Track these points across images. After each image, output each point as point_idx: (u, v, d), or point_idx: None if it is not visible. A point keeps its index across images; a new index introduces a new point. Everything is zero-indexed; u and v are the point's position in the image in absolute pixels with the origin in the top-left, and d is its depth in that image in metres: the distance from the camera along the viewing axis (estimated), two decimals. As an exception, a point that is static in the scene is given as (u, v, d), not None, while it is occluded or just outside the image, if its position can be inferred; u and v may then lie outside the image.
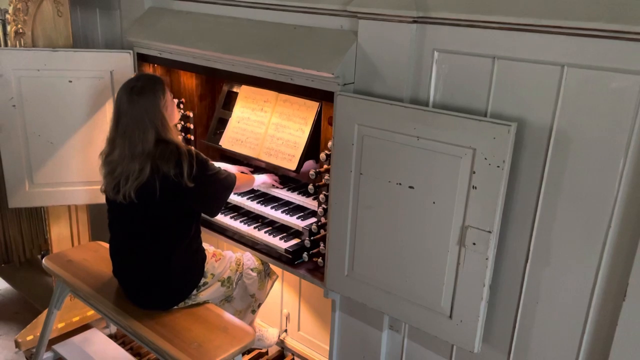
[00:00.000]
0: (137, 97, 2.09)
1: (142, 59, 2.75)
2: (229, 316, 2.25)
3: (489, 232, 1.70)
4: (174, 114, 2.31)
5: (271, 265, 2.56)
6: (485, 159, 1.65)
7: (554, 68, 1.59)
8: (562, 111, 1.61)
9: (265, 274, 2.54)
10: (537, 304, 1.80)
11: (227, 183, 2.27)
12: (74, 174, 2.75)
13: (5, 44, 2.92)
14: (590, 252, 1.65)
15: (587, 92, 1.56)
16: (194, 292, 2.27)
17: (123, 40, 2.84)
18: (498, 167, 1.64)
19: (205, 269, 2.30)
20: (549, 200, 1.70)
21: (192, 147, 2.63)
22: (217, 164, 2.47)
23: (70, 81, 2.62)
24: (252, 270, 2.46)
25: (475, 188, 1.69)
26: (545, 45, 1.58)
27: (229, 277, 2.39)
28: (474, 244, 1.73)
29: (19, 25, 2.57)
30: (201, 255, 2.31)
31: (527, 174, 1.72)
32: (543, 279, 1.76)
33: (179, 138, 2.22)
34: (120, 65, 2.66)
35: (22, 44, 2.61)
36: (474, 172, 1.69)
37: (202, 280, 2.29)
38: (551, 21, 1.54)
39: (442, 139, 1.73)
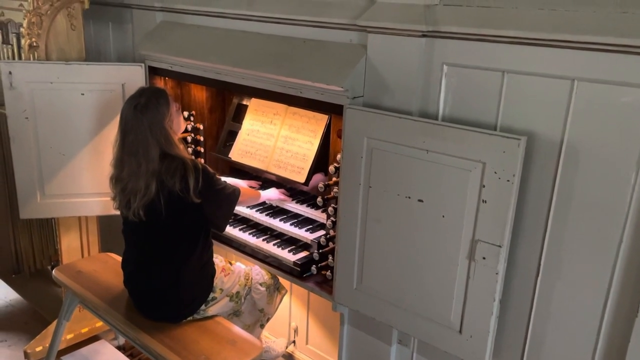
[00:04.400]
0: (140, 115, 2.10)
1: (153, 72, 2.78)
2: (237, 329, 2.24)
3: (499, 246, 1.68)
4: (179, 125, 2.32)
5: (280, 280, 2.55)
6: (495, 172, 1.65)
7: (564, 82, 1.59)
8: (573, 125, 1.61)
9: (275, 289, 2.53)
10: (549, 319, 1.78)
11: (233, 198, 2.28)
12: (85, 186, 2.77)
13: (20, 57, 2.96)
14: (602, 267, 1.64)
15: (598, 106, 1.55)
16: (203, 306, 2.27)
17: (135, 54, 2.87)
18: (508, 181, 1.63)
19: (214, 284, 2.30)
20: (560, 214, 1.68)
21: (200, 160, 2.65)
22: (227, 179, 2.49)
23: (83, 94, 2.65)
24: (260, 285, 2.45)
25: (485, 202, 1.69)
26: (555, 59, 1.58)
27: (237, 292, 2.38)
28: (484, 258, 1.72)
29: (33, 39, 2.61)
30: (210, 270, 2.31)
31: (538, 188, 1.71)
32: (554, 293, 1.75)
33: (185, 151, 2.23)
34: (132, 78, 2.69)
35: (36, 57, 2.65)
36: (484, 186, 1.68)
37: (211, 295, 2.29)
38: (561, 35, 1.54)
39: (452, 152, 1.73)
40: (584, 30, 1.51)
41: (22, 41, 2.65)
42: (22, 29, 2.65)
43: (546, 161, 1.68)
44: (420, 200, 1.83)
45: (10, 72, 2.55)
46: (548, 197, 1.70)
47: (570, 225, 1.67)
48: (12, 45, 3.02)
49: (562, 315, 1.75)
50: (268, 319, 2.56)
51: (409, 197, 1.85)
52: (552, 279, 1.74)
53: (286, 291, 2.64)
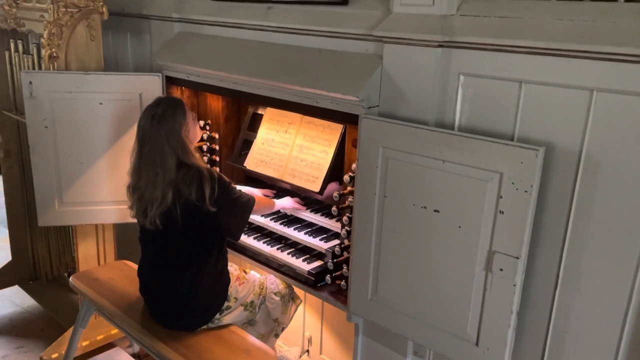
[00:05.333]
0: (158, 125, 2.12)
1: (170, 81, 2.82)
2: (251, 338, 2.24)
3: (517, 258, 1.66)
4: (196, 135, 2.34)
5: (295, 289, 2.55)
6: (513, 183, 1.63)
7: (583, 92, 1.57)
8: (592, 136, 1.59)
9: (289, 298, 2.52)
10: (567, 333, 1.75)
11: (248, 206, 2.29)
12: (102, 194, 2.80)
13: (40, 67, 3.01)
14: (622, 280, 1.61)
15: (617, 116, 1.54)
16: (217, 315, 2.27)
17: (152, 64, 2.91)
18: (526, 191, 1.61)
19: (229, 293, 2.30)
20: (579, 226, 1.66)
21: (216, 169, 2.67)
22: (242, 188, 2.50)
23: (101, 103, 2.69)
24: (275, 294, 2.45)
25: (502, 213, 1.67)
26: (574, 69, 1.57)
27: (251, 301, 2.38)
28: (501, 269, 1.70)
29: (53, 50, 2.66)
30: (225, 279, 2.32)
31: (556, 199, 1.69)
32: (573, 307, 1.72)
33: (201, 160, 2.25)
34: (149, 87, 2.72)
35: (56, 67, 2.69)
36: (501, 197, 1.66)
37: (225, 304, 2.29)
38: (579, 46, 1.53)
39: (468, 162, 1.72)
40: (603, 41, 1.50)
41: (43, 51, 2.70)
42: (42, 40, 2.69)
43: (565, 172, 1.66)
44: (436, 211, 1.82)
45: (30, 82, 2.60)
46: (567, 208, 1.67)
47: (589, 237, 1.65)
48: (32, 55, 3.08)
49: (581, 329, 1.72)
50: (283, 329, 2.55)
51: (425, 207, 1.84)
52: (570, 292, 1.72)
53: (301, 301, 2.63)
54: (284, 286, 2.49)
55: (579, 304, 1.71)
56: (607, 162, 1.58)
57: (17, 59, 3.20)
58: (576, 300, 1.71)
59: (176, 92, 2.89)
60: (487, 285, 1.74)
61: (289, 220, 2.65)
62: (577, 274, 1.69)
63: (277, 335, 2.54)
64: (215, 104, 2.98)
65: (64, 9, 2.62)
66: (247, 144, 2.87)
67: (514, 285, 1.68)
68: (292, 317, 2.58)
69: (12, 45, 3.21)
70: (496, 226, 1.69)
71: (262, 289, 2.43)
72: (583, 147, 1.61)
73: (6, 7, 2.92)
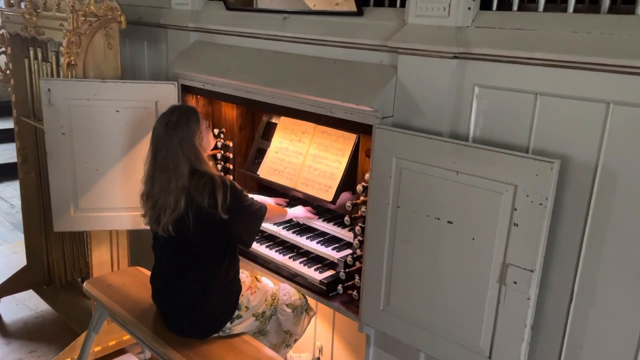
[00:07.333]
0: (172, 132, 2.14)
1: (186, 90, 2.84)
2: (263, 348, 2.23)
3: (531, 271, 1.65)
4: (209, 143, 2.37)
5: (309, 300, 2.54)
6: (527, 196, 1.62)
7: (599, 105, 1.56)
8: (608, 149, 1.57)
9: (302, 310, 2.50)
10: (582, 348, 1.73)
11: (260, 214, 2.30)
12: (117, 200, 2.82)
13: (58, 75, 3.06)
14: (639, 294, 1.58)
15: (634, 129, 1.52)
16: (228, 324, 2.27)
17: (168, 72, 2.94)
18: (540, 204, 1.60)
19: (240, 302, 2.30)
20: (595, 239, 1.64)
21: (229, 177, 2.68)
22: (255, 196, 2.51)
23: (117, 111, 2.72)
24: (287, 306, 2.44)
25: (517, 225, 1.66)
26: (590, 82, 1.56)
27: (263, 312, 2.38)
28: (515, 282, 1.69)
29: (72, 58, 2.70)
30: (236, 287, 2.32)
31: (571, 212, 1.67)
32: (588, 321, 1.70)
33: (214, 168, 2.26)
34: (165, 95, 2.75)
35: (74, 75, 2.73)
36: (515, 209, 1.65)
37: (236, 313, 2.29)
38: (596, 58, 1.52)
39: (483, 174, 1.71)
40: (620, 54, 1.49)
41: (61, 59, 2.74)
42: (61, 48, 2.73)
43: (580, 185, 1.64)
44: (449, 222, 1.81)
45: (49, 90, 2.64)
46: (582, 222, 1.66)
47: (605, 251, 1.63)
48: (51, 63, 3.13)
49: (596, 344, 1.70)
50: (295, 340, 2.54)
51: (438, 219, 1.84)
52: (586, 306, 1.70)
53: (314, 313, 2.61)
54: (297, 297, 2.48)
55: (594, 318, 1.68)
56: (623, 175, 1.56)
57: (36, 67, 3.26)
58: (591, 315, 1.69)
59: (191, 101, 2.92)
60: (500, 298, 1.73)
61: (301, 229, 2.66)
62: (592, 287, 1.67)
63: (288, 346, 2.53)
64: (230, 112, 3.01)
65: (83, 18, 2.66)
66: (261, 153, 2.88)
67: (528, 299, 1.67)
68: (305, 329, 2.56)
69: (31, 52, 3.27)
70: (510, 239, 1.68)
71: (274, 299, 2.43)
72: (599, 160, 1.59)
73: (27, 16, 2.98)
